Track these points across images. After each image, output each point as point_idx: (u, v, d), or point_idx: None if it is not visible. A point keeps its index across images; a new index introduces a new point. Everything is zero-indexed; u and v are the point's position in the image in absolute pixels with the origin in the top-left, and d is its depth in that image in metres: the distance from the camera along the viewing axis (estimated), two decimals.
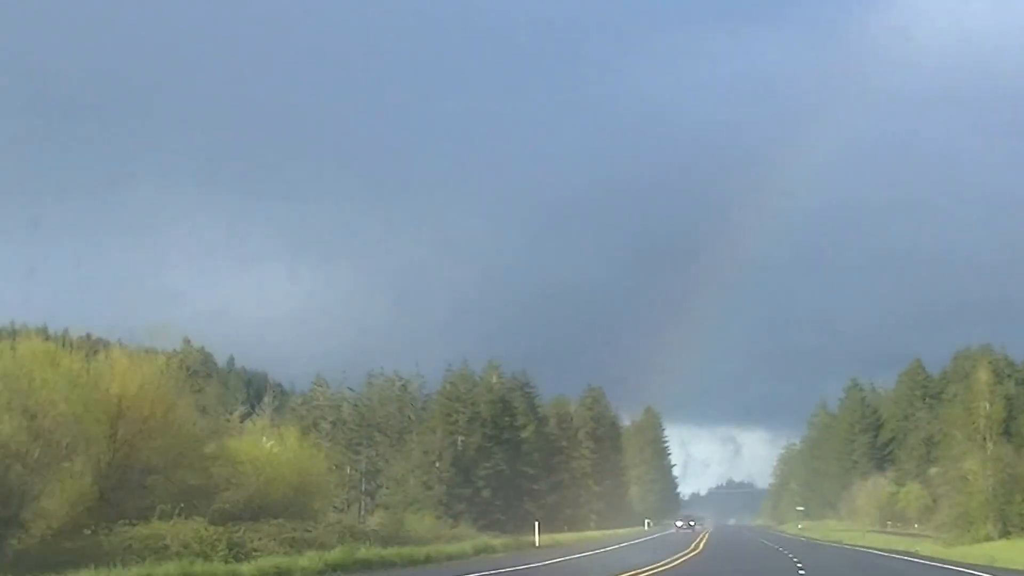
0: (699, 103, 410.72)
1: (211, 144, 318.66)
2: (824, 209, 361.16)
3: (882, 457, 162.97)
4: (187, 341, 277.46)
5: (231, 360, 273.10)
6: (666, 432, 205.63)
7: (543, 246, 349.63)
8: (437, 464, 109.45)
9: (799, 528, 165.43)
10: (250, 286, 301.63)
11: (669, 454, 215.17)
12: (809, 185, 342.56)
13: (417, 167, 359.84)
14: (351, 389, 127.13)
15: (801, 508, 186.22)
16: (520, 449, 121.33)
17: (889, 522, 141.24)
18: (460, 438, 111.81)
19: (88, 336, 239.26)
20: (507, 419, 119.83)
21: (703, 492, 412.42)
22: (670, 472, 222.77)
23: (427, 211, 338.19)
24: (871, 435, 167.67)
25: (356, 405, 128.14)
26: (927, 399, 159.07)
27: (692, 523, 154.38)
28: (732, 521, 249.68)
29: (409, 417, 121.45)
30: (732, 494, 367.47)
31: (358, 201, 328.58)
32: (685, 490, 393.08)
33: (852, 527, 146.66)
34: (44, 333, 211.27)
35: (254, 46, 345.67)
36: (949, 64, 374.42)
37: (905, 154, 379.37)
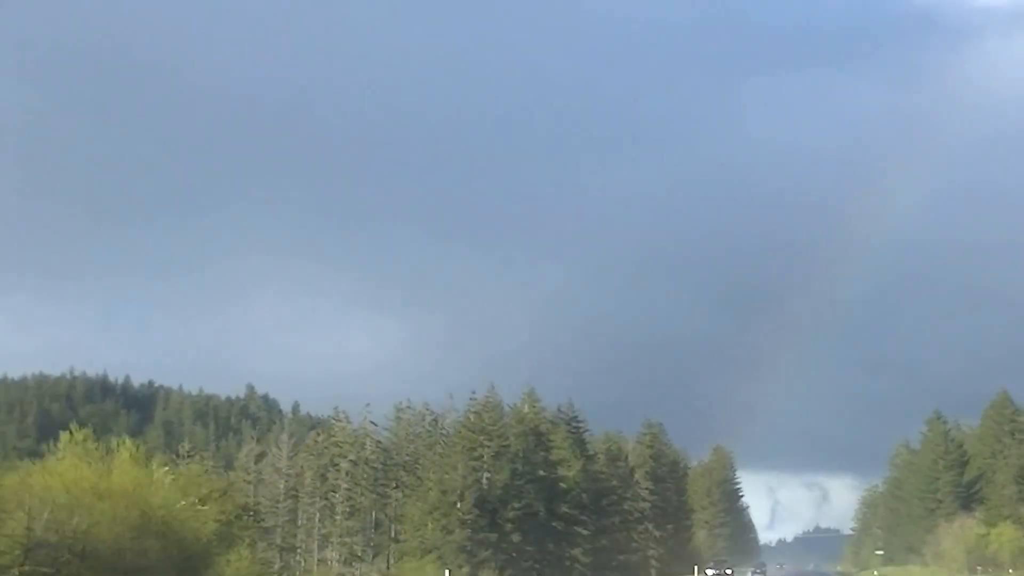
0: (782, 151, 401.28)
1: None
2: (910, 252, 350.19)
3: (969, 496, 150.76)
4: (250, 387, 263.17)
5: (296, 406, 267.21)
6: (753, 479, 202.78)
7: (628, 300, 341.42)
8: (458, 505, 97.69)
9: (876, 575, 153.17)
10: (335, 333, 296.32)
11: (742, 496, 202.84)
12: (894, 229, 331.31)
13: (508, 222, 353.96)
14: (374, 423, 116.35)
15: (880, 552, 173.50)
16: (557, 488, 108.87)
17: (979, 567, 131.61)
18: (485, 475, 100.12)
19: (150, 383, 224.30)
20: (542, 454, 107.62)
21: (789, 539, 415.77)
22: (743, 515, 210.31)
23: (514, 264, 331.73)
24: (956, 472, 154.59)
25: (380, 442, 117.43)
26: (1016, 434, 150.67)
27: (729, 571, 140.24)
28: (811, 567, 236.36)
29: (442, 456, 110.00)
30: (818, 539, 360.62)
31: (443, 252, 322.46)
32: (772, 536, 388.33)
33: (938, 572, 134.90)
34: (104, 381, 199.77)
35: None
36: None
37: (990, 197, 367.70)
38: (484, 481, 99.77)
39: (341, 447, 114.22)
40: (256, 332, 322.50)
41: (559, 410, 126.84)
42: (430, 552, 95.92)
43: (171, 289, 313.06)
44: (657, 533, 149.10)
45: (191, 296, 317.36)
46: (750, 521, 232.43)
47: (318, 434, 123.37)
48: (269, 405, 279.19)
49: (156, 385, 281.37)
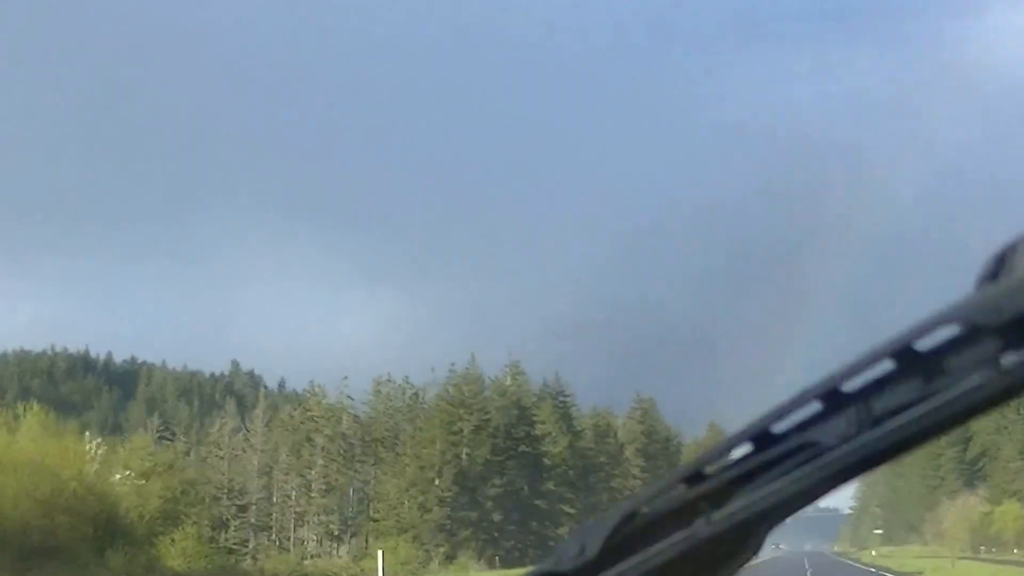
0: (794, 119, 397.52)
1: None
2: (903, 236, 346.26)
3: (972, 473, 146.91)
4: (235, 364, 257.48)
5: (282, 382, 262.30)
6: None
7: (621, 271, 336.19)
8: (436, 482, 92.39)
9: (873, 555, 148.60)
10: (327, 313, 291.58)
11: None
12: (888, 212, 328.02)
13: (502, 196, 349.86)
14: (351, 398, 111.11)
15: (879, 531, 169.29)
16: (541, 464, 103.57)
17: (983, 547, 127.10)
18: (465, 451, 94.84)
19: (133, 359, 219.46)
20: (524, 429, 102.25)
21: (788, 519, 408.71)
22: None
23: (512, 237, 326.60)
24: (959, 449, 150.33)
25: (357, 416, 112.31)
26: (1021, 409, 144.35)
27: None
28: (807, 547, 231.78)
29: (420, 429, 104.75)
30: (817, 519, 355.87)
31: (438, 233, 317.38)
32: None
33: (939, 552, 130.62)
34: (86, 357, 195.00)
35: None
36: None
37: (985, 181, 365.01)
38: (464, 457, 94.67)
39: (316, 422, 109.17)
40: (245, 308, 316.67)
41: (545, 384, 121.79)
42: (406, 531, 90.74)
43: (160, 265, 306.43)
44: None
45: (182, 273, 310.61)
46: None
47: (293, 408, 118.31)
48: (255, 381, 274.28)
49: (139, 361, 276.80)
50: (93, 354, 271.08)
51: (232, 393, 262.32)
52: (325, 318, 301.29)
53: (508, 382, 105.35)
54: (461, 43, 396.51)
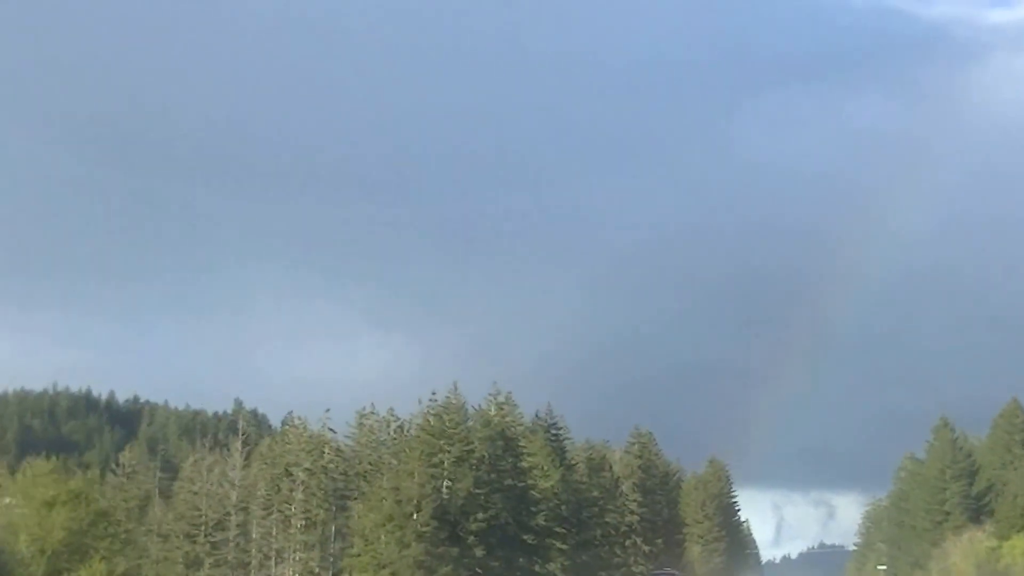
0: (784, 172, 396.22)
1: None
2: (915, 274, 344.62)
3: (978, 508, 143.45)
4: (238, 402, 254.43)
5: (286, 421, 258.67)
6: (759, 496, 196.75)
7: (635, 319, 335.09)
8: (415, 516, 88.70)
9: None
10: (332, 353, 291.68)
11: (738, 510, 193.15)
12: (900, 251, 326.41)
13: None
14: (332, 430, 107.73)
15: (884, 567, 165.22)
16: (527, 498, 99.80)
17: None
18: (446, 483, 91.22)
19: (135, 398, 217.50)
20: (510, 460, 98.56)
21: (794, 555, 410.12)
22: (741, 530, 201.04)
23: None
24: (965, 483, 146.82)
25: (340, 449, 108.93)
26: None
27: None
28: None
29: (403, 462, 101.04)
30: (823, 556, 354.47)
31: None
32: (776, 553, 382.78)
33: None
34: (88, 396, 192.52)
35: None
36: None
37: (994, 222, 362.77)
38: (444, 490, 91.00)
39: (297, 455, 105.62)
40: (249, 348, 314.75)
41: (537, 416, 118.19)
42: (384, 568, 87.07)
43: (165, 302, 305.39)
44: (646, 548, 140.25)
45: (186, 309, 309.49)
46: (749, 537, 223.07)
47: (273, 441, 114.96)
48: (258, 420, 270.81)
49: (142, 401, 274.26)
50: (95, 393, 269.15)
51: (236, 432, 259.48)
52: (330, 358, 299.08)
53: (492, 411, 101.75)
54: (467, 107, 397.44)
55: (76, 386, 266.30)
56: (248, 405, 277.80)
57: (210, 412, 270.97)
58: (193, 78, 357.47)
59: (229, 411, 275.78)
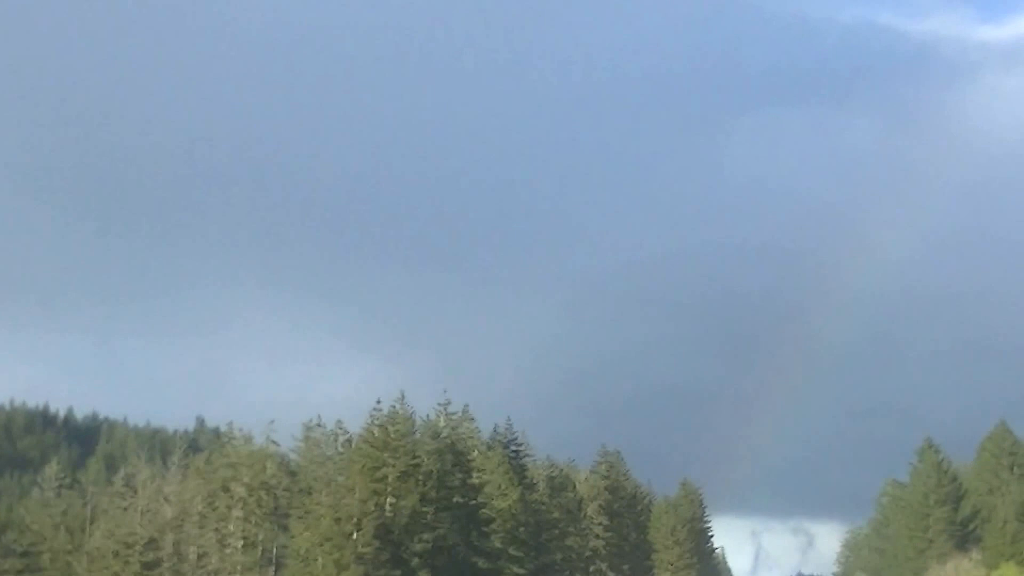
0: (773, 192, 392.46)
1: None
2: (900, 298, 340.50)
3: (964, 535, 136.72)
4: (200, 420, 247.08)
5: (248, 439, 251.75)
6: (738, 524, 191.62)
7: (614, 344, 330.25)
8: (355, 536, 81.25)
9: None
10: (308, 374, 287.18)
11: (711, 535, 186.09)
12: (885, 275, 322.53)
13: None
14: (276, 443, 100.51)
15: None
16: (478, 517, 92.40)
17: None
18: (389, 500, 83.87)
19: (94, 414, 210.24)
20: (460, 476, 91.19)
21: None
22: (714, 557, 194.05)
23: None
24: (950, 508, 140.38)
25: (286, 463, 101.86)
26: (1015, 468, 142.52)
27: None
28: None
29: (347, 477, 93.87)
30: None
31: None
32: None
33: None
34: (45, 412, 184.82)
35: None
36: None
37: (980, 245, 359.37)
38: (388, 507, 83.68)
39: (235, 469, 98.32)
40: (216, 366, 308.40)
41: (495, 431, 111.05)
42: None
43: (131, 320, 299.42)
44: (612, 574, 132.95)
45: (152, 327, 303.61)
46: (724, 564, 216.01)
47: (210, 454, 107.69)
48: (220, 439, 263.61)
49: (100, 417, 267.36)
50: (53, 409, 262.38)
51: (197, 450, 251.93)
52: (301, 380, 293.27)
53: (442, 423, 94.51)
54: (445, 129, 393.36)
55: (34, 402, 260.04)
56: (211, 424, 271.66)
57: (171, 430, 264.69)
58: (167, 96, 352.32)
59: (191, 429, 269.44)
